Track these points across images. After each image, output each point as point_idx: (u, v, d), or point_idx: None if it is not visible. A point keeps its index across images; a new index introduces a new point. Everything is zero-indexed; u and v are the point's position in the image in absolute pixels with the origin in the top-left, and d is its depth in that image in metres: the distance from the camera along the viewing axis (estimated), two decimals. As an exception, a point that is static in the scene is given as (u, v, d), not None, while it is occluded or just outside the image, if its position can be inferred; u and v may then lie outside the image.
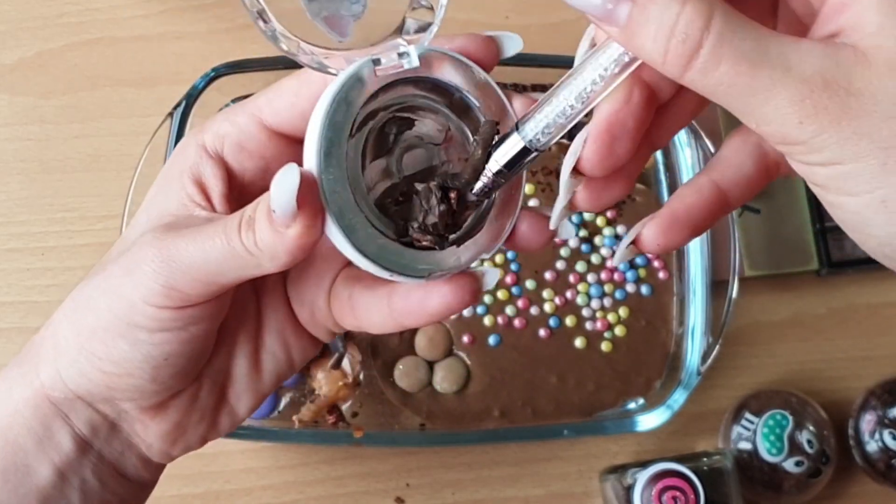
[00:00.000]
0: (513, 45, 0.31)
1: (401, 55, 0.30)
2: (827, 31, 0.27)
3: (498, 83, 0.31)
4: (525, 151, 0.29)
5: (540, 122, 0.29)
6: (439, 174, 0.31)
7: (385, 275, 0.29)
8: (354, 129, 0.30)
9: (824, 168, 0.25)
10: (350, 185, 0.29)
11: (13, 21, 0.64)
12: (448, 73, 0.31)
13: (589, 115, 0.29)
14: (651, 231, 0.30)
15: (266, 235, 0.28)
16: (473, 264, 0.31)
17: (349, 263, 0.34)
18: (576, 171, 0.29)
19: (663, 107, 0.30)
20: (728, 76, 0.25)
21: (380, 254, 0.29)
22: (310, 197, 0.27)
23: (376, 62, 0.30)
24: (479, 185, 0.30)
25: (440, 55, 0.31)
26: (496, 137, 0.30)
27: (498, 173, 0.30)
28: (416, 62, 0.30)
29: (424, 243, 0.30)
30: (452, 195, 0.30)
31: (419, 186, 0.30)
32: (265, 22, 0.29)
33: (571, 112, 0.28)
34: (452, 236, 0.31)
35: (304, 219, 0.27)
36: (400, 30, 0.31)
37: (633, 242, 0.31)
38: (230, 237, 0.29)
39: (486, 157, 0.30)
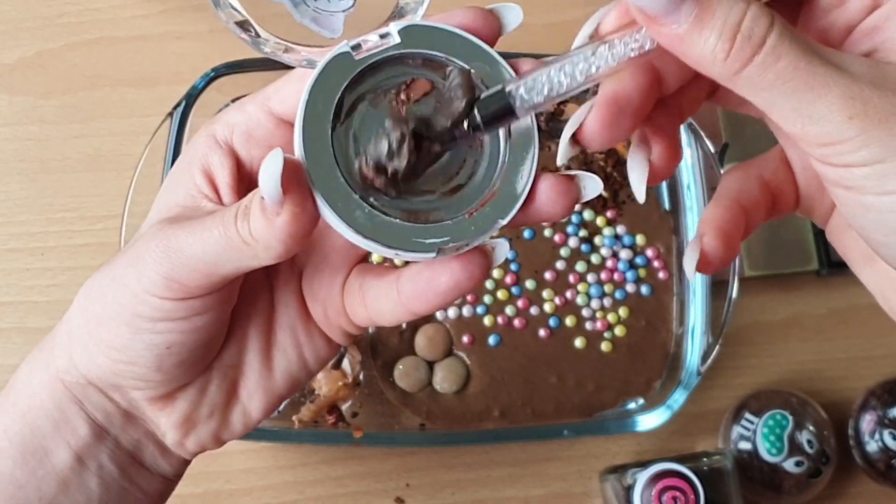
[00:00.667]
0: (513, 17, 0.31)
1: (382, 36, 0.30)
2: (860, 50, 0.28)
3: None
4: (509, 112, 0.29)
5: (532, 86, 0.28)
6: (412, 118, 0.29)
7: (390, 253, 0.29)
8: (343, 114, 0.30)
9: (864, 168, 0.26)
10: (342, 169, 0.29)
11: (13, 21, 0.64)
12: (438, 46, 0.30)
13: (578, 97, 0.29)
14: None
15: (258, 224, 0.28)
16: (488, 236, 0.30)
17: (363, 258, 0.34)
18: (574, 141, 0.29)
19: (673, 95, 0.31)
20: (786, 71, 0.26)
21: (381, 232, 0.29)
22: (296, 182, 0.28)
23: (356, 47, 0.29)
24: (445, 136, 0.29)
25: (430, 29, 0.30)
26: (478, 90, 0.29)
27: (475, 128, 0.29)
28: (397, 39, 0.30)
29: (373, 182, 0.29)
30: (424, 143, 0.29)
31: (387, 123, 0.29)
32: (246, 31, 0.29)
33: (568, 85, 0.28)
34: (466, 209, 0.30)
35: (291, 205, 0.27)
36: (394, 16, 0.30)
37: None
38: (227, 227, 0.29)
39: (469, 107, 0.29)
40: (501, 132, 0.30)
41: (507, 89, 0.29)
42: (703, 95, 0.32)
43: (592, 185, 0.30)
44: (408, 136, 0.29)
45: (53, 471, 0.33)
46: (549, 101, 0.29)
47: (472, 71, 0.30)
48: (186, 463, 0.36)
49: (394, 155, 0.29)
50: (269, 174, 0.27)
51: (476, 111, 0.29)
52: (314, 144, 0.29)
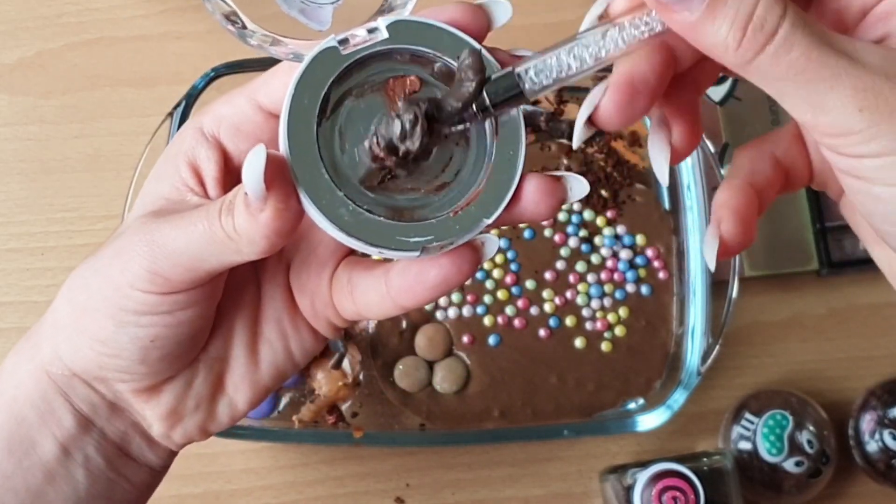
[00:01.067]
0: (502, 13, 0.31)
1: (370, 31, 0.29)
2: (872, 36, 0.28)
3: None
4: (518, 94, 0.29)
5: (541, 69, 0.28)
6: (423, 99, 0.29)
7: (374, 251, 0.29)
8: (329, 109, 0.29)
9: (874, 159, 0.26)
10: (327, 166, 0.29)
11: (13, 21, 0.64)
12: (426, 42, 0.30)
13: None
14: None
15: (242, 220, 0.28)
16: (473, 235, 0.30)
17: (352, 251, 0.34)
18: (590, 122, 0.29)
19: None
20: (798, 62, 0.26)
21: (365, 230, 0.29)
22: (279, 178, 0.27)
23: (343, 41, 0.29)
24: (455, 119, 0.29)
25: (418, 25, 0.30)
26: (489, 70, 0.29)
27: (484, 110, 0.29)
28: (385, 34, 0.29)
29: (384, 162, 0.29)
30: (435, 125, 0.29)
31: (400, 105, 0.29)
32: (234, 23, 0.29)
33: (578, 68, 0.28)
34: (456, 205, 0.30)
35: (275, 201, 0.27)
36: (383, 10, 0.30)
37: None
38: (211, 222, 0.29)
39: (479, 90, 0.29)
40: (489, 130, 0.30)
41: (517, 71, 0.28)
42: (719, 66, 0.32)
43: (579, 187, 0.30)
44: (421, 118, 0.28)
45: (40, 462, 0.33)
46: (558, 83, 0.29)
47: (483, 51, 0.29)
48: (173, 454, 0.36)
49: (406, 136, 0.29)
50: (252, 170, 0.27)
51: (485, 94, 0.29)
52: (299, 140, 0.29)
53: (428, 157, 0.30)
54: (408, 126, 0.29)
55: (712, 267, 0.31)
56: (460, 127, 0.30)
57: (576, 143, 0.30)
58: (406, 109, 0.29)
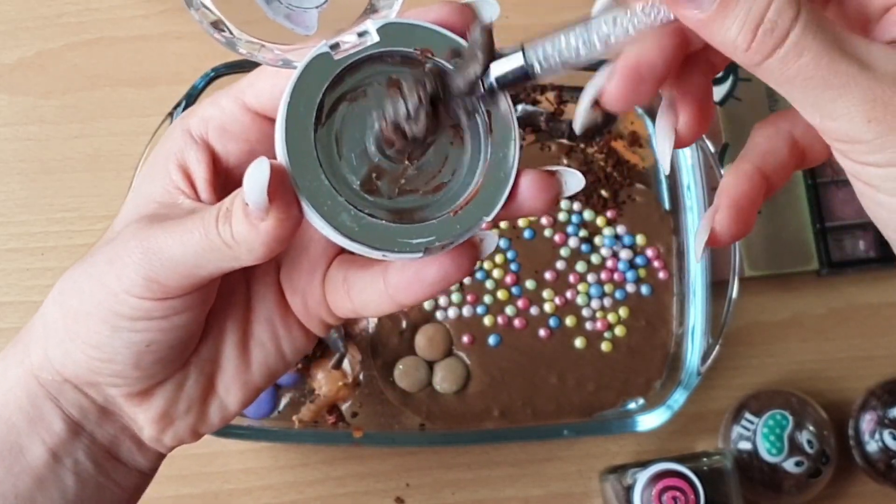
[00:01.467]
0: (490, 12, 0.31)
1: (360, 34, 0.30)
2: (889, 37, 0.28)
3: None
4: (525, 76, 0.29)
5: (549, 53, 0.29)
6: (430, 78, 0.29)
7: (377, 255, 0.29)
8: (324, 115, 0.30)
9: (880, 169, 0.26)
10: (325, 171, 0.29)
11: (13, 21, 0.64)
12: (416, 43, 0.30)
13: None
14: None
15: (242, 228, 0.28)
16: (473, 233, 0.30)
17: (344, 249, 0.34)
18: (596, 105, 0.29)
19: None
20: (808, 67, 0.25)
21: (368, 234, 0.29)
22: (281, 189, 0.27)
23: (334, 46, 0.30)
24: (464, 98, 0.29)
25: (408, 26, 0.30)
26: (494, 52, 0.29)
27: (490, 89, 0.29)
28: (375, 37, 0.30)
29: (394, 146, 0.29)
30: (440, 105, 0.29)
31: (404, 81, 0.29)
32: (220, 31, 0.29)
33: (586, 53, 0.28)
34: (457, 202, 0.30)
35: (277, 211, 0.27)
36: (368, 12, 0.30)
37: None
38: (208, 230, 0.29)
39: (485, 69, 0.29)
40: (482, 128, 0.30)
41: (526, 52, 0.29)
42: None
43: (573, 181, 0.30)
44: (425, 102, 0.29)
45: (29, 467, 0.33)
46: (566, 66, 0.29)
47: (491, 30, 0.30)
48: (163, 457, 0.36)
49: (410, 118, 0.29)
50: (255, 183, 0.27)
51: (492, 74, 0.29)
52: (297, 148, 0.29)
53: (434, 133, 0.30)
54: (412, 110, 0.29)
55: (697, 258, 0.31)
56: (466, 104, 0.30)
57: (577, 126, 0.30)
58: (410, 91, 0.29)
